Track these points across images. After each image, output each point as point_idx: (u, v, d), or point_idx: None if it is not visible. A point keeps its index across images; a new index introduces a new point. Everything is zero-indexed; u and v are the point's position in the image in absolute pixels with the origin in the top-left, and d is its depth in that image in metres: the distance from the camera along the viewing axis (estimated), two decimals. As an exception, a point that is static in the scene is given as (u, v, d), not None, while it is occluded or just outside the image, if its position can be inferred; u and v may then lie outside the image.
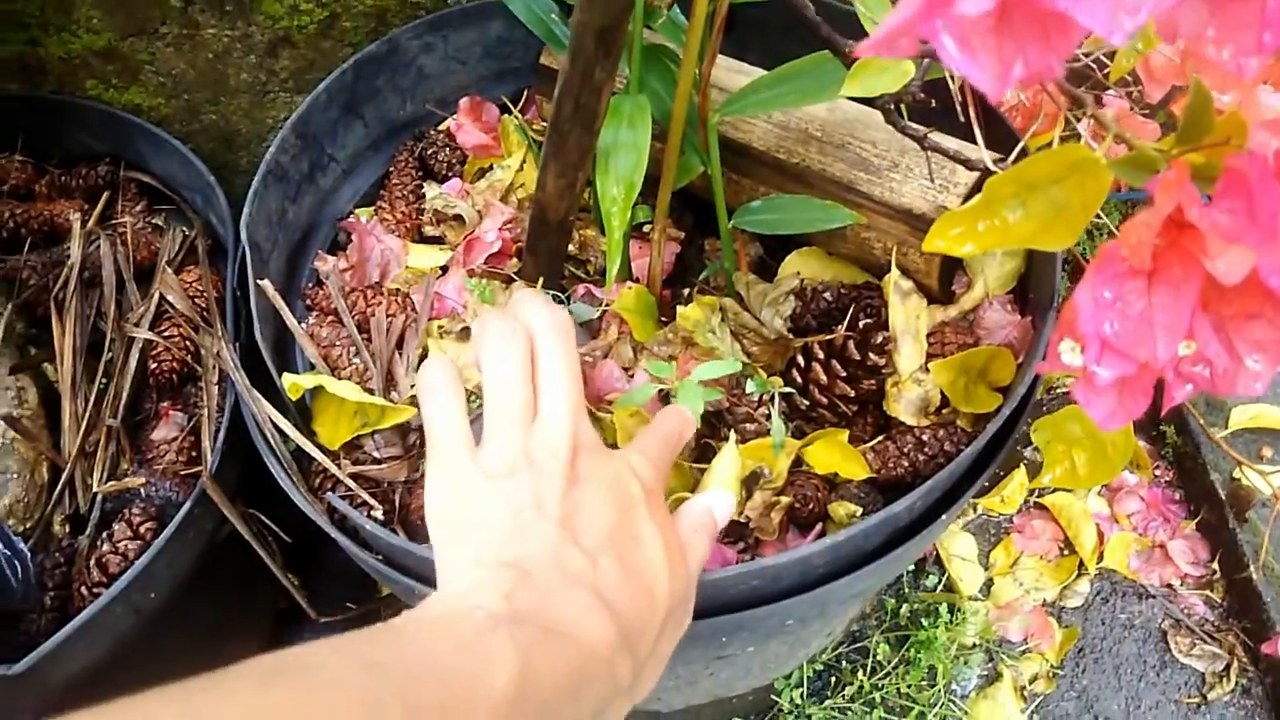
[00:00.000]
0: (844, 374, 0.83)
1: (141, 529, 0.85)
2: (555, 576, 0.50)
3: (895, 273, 0.86)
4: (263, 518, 0.95)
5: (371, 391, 0.84)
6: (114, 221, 1.08)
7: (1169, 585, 1.39)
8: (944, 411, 0.85)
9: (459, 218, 0.98)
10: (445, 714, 0.40)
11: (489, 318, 0.59)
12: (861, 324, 0.86)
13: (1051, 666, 1.32)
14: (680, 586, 0.56)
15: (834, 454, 0.82)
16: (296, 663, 0.40)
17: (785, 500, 0.80)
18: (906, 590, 1.34)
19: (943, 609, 1.28)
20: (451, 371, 0.59)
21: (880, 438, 0.84)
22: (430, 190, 1.03)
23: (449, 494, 0.55)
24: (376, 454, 0.83)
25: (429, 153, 1.06)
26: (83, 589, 0.84)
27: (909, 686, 1.24)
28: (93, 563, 0.84)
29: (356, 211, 1.04)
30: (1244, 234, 0.46)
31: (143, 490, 0.89)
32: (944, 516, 0.77)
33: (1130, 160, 0.52)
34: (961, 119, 0.68)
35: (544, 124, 1.03)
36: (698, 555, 0.60)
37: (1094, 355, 0.50)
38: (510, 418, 0.56)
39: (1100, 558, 1.40)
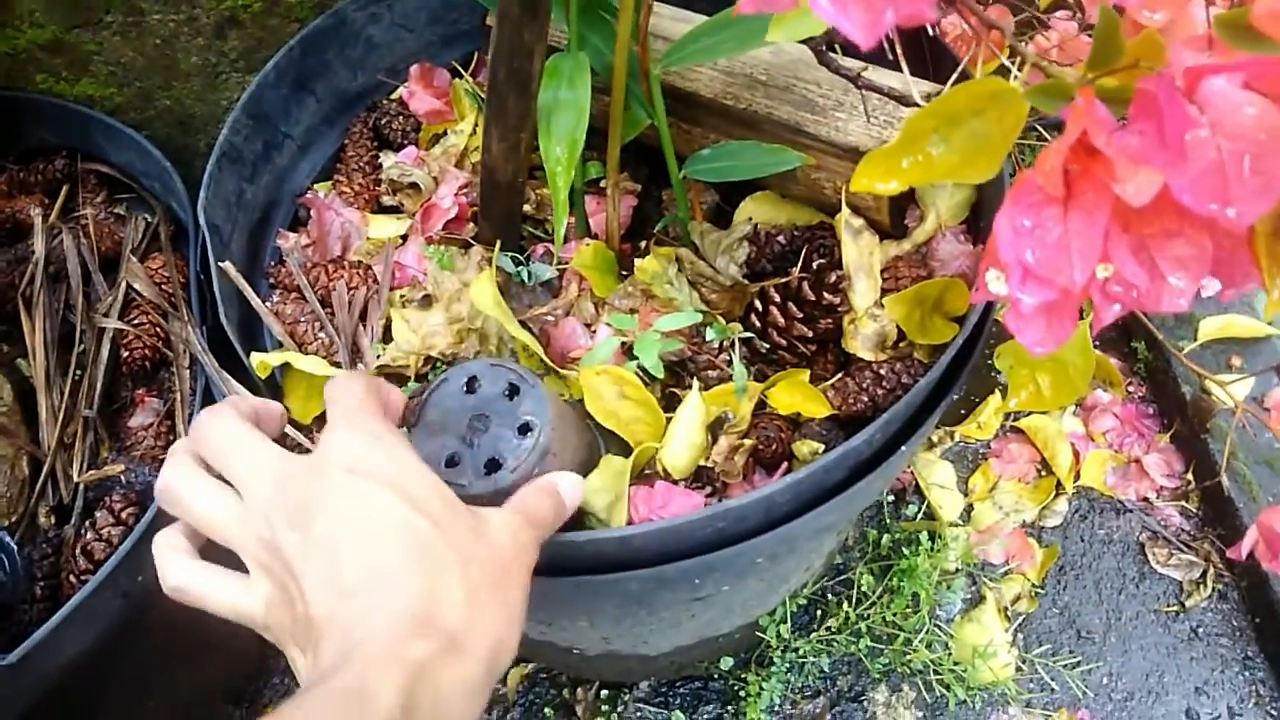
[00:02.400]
0: (801, 315, 0.85)
1: (124, 515, 0.87)
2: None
3: (846, 211, 0.87)
4: (245, 495, 0.97)
5: (338, 364, 0.86)
6: (76, 214, 1.08)
7: (1145, 499, 1.42)
8: (901, 345, 0.87)
9: (415, 185, 0.98)
10: None
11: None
12: (815, 264, 0.87)
13: (1033, 586, 1.35)
14: (463, 523, 0.52)
15: (795, 394, 0.84)
16: None
17: (749, 443, 0.82)
18: (887, 520, 1.36)
19: (924, 537, 1.31)
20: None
21: (840, 375, 0.86)
22: (386, 160, 1.03)
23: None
24: (347, 425, 0.85)
25: (383, 122, 1.07)
26: (71, 577, 0.86)
27: (894, 614, 1.27)
28: (79, 551, 0.86)
29: (314, 187, 1.04)
30: (1153, 156, 0.48)
31: (123, 477, 0.91)
32: (904, 448, 0.79)
33: (1044, 89, 0.53)
34: (888, 55, 0.69)
35: (494, 87, 1.04)
36: (543, 507, 0.60)
37: (1017, 282, 0.51)
38: (221, 527, 0.53)
39: (1077, 476, 1.43)
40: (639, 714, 1.24)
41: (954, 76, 0.70)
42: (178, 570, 0.54)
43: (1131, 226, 0.52)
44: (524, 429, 0.66)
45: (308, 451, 0.57)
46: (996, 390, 1.49)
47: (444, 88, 1.08)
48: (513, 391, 0.67)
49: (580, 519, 0.77)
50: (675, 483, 0.78)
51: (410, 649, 0.45)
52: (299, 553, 0.49)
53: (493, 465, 0.65)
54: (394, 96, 1.09)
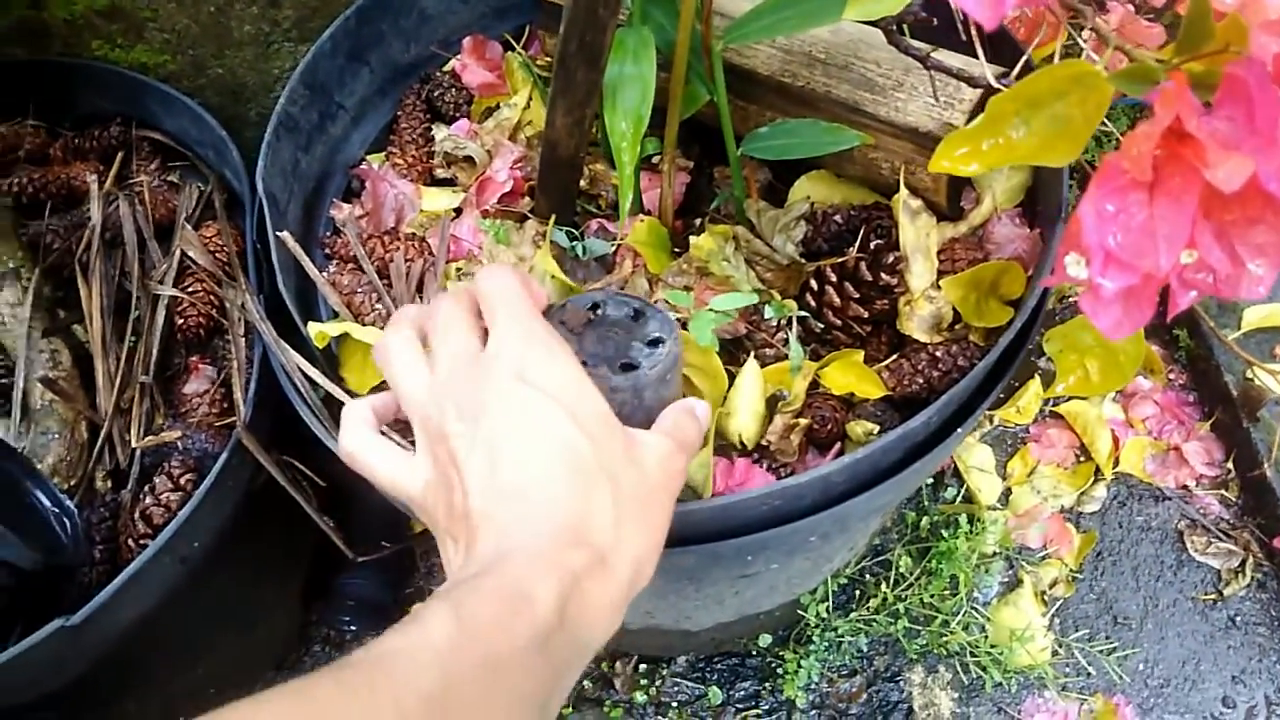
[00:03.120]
0: (857, 295, 0.85)
1: (181, 480, 0.88)
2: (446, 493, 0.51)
3: (904, 192, 0.87)
4: (297, 464, 0.98)
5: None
6: (130, 181, 1.09)
7: (1184, 486, 1.42)
8: (956, 327, 0.86)
9: (469, 159, 0.99)
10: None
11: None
12: (872, 245, 0.87)
13: (1070, 571, 1.35)
14: (618, 442, 0.53)
15: (850, 374, 0.84)
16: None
17: (804, 422, 0.82)
18: (926, 503, 1.36)
19: (962, 520, 1.31)
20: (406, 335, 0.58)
21: (895, 356, 0.86)
22: (439, 132, 1.03)
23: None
24: (404, 396, 0.85)
25: (435, 95, 1.07)
26: (129, 541, 0.87)
27: (932, 596, 1.27)
28: (137, 516, 0.87)
29: (368, 158, 1.04)
30: (1243, 141, 0.47)
31: (179, 443, 0.92)
32: (959, 430, 0.79)
33: (1130, 73, 0.52)
34: (963, 36, 0.69)
35: (548, 59, 1.03)
36: (685, 428, 0.59)
37: (1098, 267, 0.51)
38: (406, 398, 0.55)
39: (1116, 463, 1.43)
40: (676, 688, 1.26)
41: (1022, 59, 0.70)
42: (355, 437, 0.58)
43: (1213, 212, 0.52)
44: (653, 343, 0.65)
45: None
46: (1036, 375, 1.48)
47: (496, 60, 1.08)
48: (637, 315, 0.66)
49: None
50: (748, 453, 0.79)
51: (567, 558, 0.46)
52: (464, 444, 0.50)
53: (628, 367, 0.64)
54: (446, 69, 1.09)
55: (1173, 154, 0.49)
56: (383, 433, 0.60)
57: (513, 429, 0.50)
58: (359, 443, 0.58)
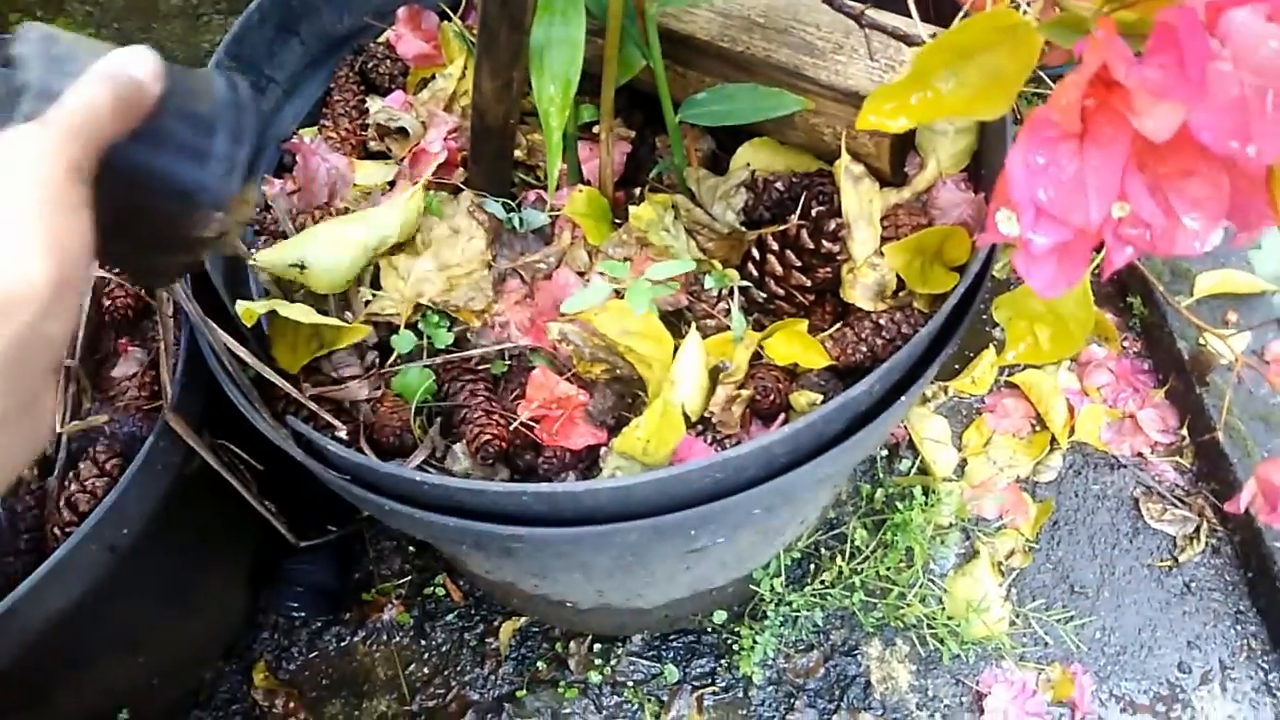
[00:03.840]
0: (799, 263, 0.83)
1: (108, 466, 0.85)
2: None
3: (845, 157, 0.85)
4: (232, 448, 0.95)
5: (326, 313, 0.84)
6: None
7: (1139, 454, 1.42)
8: (900, 294, 0.85)
9: (403, 130, 0.96)
10: None
11: None
12: (814, 212, 0.85)
13: (1027, 541, 1.34)
14: None
15: (793, 344, 0.83)
16: None
17: (747, 393, 0.80)
18: (881, 475, 1.35)
19: (918, 492, 1.30)
20: None
21: (838, 325, 0.84)
22: (373, 105, 1.01)
23: None
24: (335, 374, 0.83)
25: (370, 66, 1.04)
26: (55, 529, 0.85)
27: (888, 569, 1.26)
28: (62, 503, 0.84)
29: (300, 132, 1.02)
30: (1173, 89, 0.46)
31: (107, 428, 0.89)
32: (904, 398, 0.77)
33: (1060, 21, 0.51)
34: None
35: (483, 28, 1.01)
36: (73, 106, 0.43)
37: (1029, 222, 0.50)
38: None
39: (1072, 432, 1.42)
40: (632, 667, 1.24)
41: (959, 17, 0.68)
42: None
43: (1147, 165, 0.50)
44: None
45: None
46: (991, 345, 1.48)
47: (432, 30, 1.06)
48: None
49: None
50: (691, 425, 0.77)
51: None
52: None
53: None
54: (381, 40, 1.06)
55: (1103, 104, 0.48)
56: None
57: None
58: None
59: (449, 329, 0.84)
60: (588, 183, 0.91)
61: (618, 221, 0.90)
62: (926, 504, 1.30)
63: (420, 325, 0.84)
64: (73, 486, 0.85)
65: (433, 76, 1.03)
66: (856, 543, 1.28)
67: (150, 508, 0.86)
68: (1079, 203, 0.48)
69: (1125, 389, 1.46)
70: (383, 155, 0.99)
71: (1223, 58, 0.45)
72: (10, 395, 0.39)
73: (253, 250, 0.89)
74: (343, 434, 0.80)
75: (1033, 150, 0.49)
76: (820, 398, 0.80)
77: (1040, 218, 0.50)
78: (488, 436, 0.78)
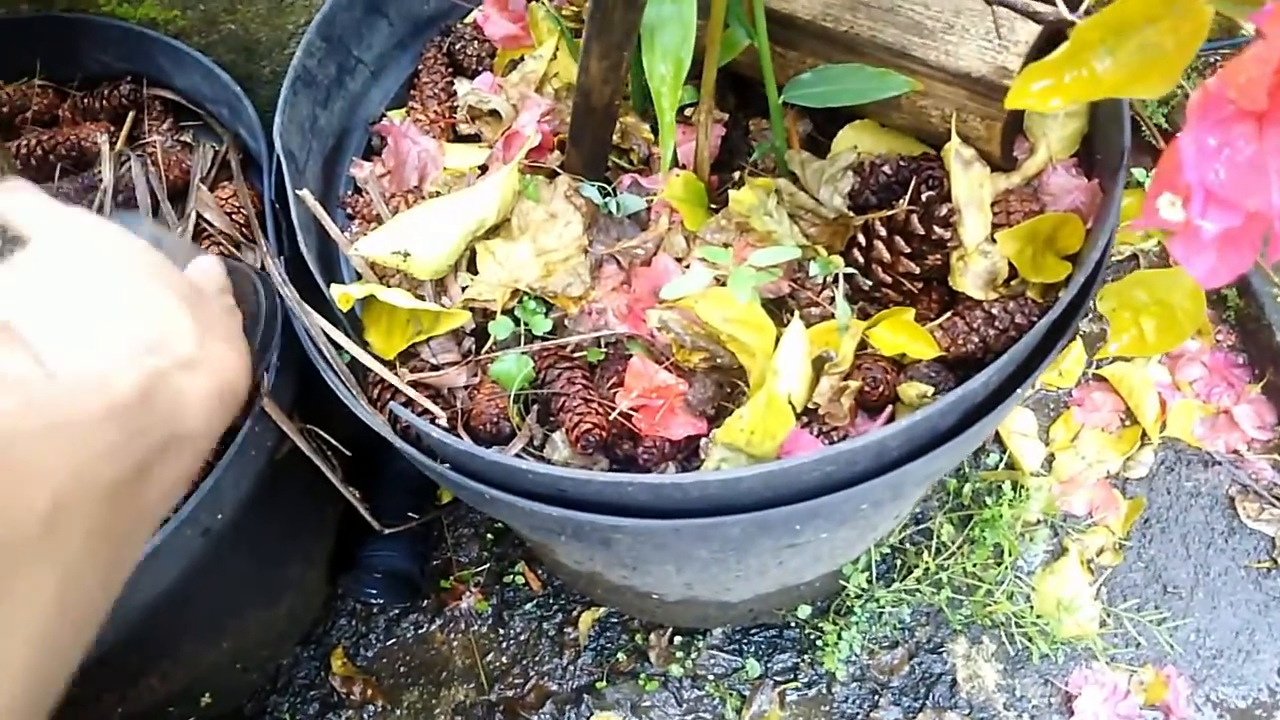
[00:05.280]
0: (908, 250, 0.80)
1: (203, 451, 0.85)
2: None
3: (955, 140, 0.82)
4: (321, 433, 0.94)
5: (423, 298, 0.82)
6: (142, 141, 1.05)
7: (1235, 451, 1.37)
8: (1012, 283, 0.82)
9: (494, 113, 0.94)
10: None
11: None
12: (924, 197, 0.82)
13: (1118, 539, 1.31)
14: (183, 276, 0.51)
15: (901, 334, 0.80)
16: None
17: (854, 384, 0.78)
18: (967, 470, 1.32)
19: (1005, 487, 1.27)
20: None
21: (948, 314, 0.82)
22: (462, 87, 0.99)
23: None
24: (433, 360, 0.82)
25: (457, 48, 1.03)
26: (150, 513, 0.84)
27: (974, 565, 1.23)
28: (157, 487, 0.84)
29: (389, 114, 1.00)
30: (1368, 62, 0.43)
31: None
32: (1019, 390, 0.75)
33: (1233, -8, 0.48)
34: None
35: (573, 9, 0.99)
36: (205, 266, 0.56)
37: (1199, 207, 0.47)
38: None
39: (1163, 427, 1.38)
40: (713, 661, 1.22)
41: (1091, -7, 0.65)
42: None
43: (1327, 147, 0.47)
44: None
45: None
46: (1078, 337, 1.44)
47: (520, 11, 1.03)
48: None
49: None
50: (796, 417, 0.75)
51: (147, 359, 0.44)
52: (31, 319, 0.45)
53: None
54: (468, 20, 1.05)
55: (1283, 81, 0.45)
56: None
57: (70, 277, 0.47)
58: None
59: (546, 315, 0.82)
60: (683, 167, 0.89)
61: (713, 207, 0.88)
62: (1014, 500, 1.26)
63: (517, 311, 0.82)
64: (168, 470, 0.85)
65: (521, 58, 1.01)
66: (943, 538, 1.25)
67: (243, 492, 0.86)
68: (1258, 186, 0.45)
69: (1219, 383, 1.41)
70: (473, 138, 0.97)
71: None
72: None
73: (347, 234, 0.88)
74: (442, 420, 0.78)
75: (1205, 130, 0.46)
76: (930, 390, 0.78)
77: (1211, 202, 0.46)
78: (588, 425, 0.77)
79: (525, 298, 0.83)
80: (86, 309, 0.47)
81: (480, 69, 1.02)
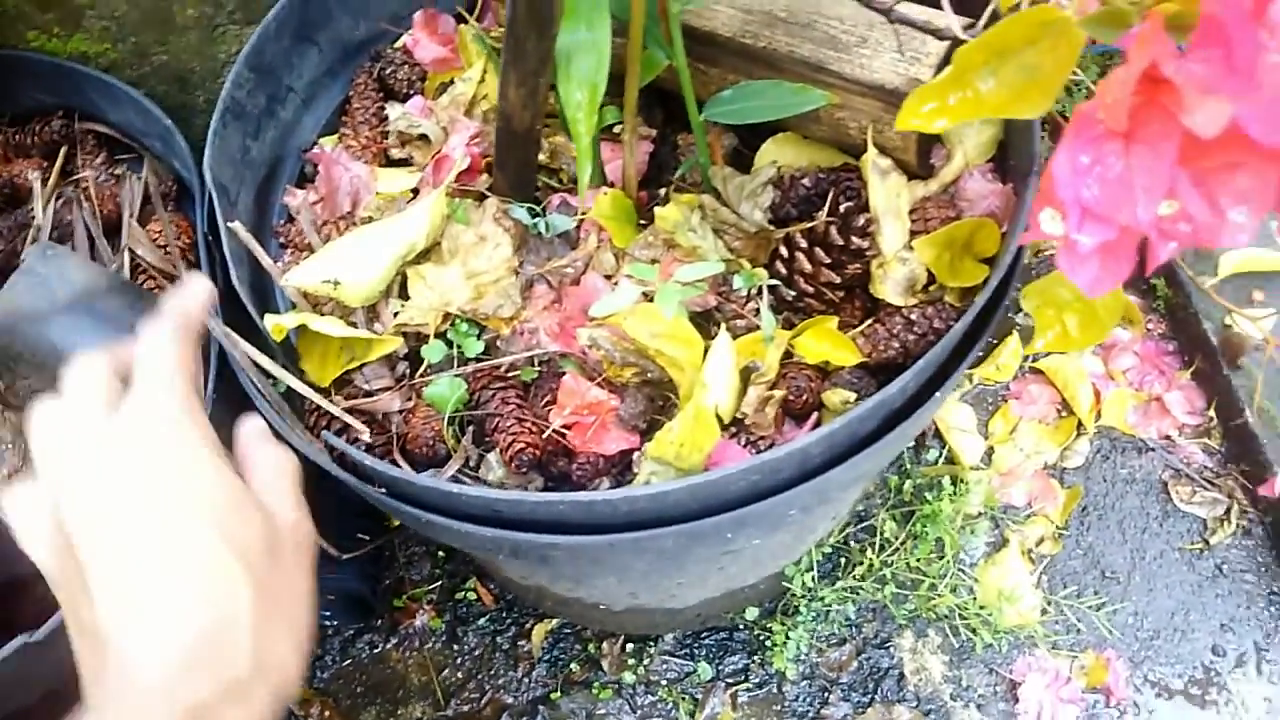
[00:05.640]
0: (828, 260, 0.83)
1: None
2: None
3: (872, 151, 0.84)
4: (263, 459, 0.95)
5: (355, 325, 0.83)
6: (75, 177, 1.05)
7: (1167, 437, 1.41)
8: (931, 289, 0.84)
9: (424, 137, 0.96)
10: None
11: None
12: (842, 208, 0.85)
13: (1057, 527, 1.34)
14: (257, 533, 0.47)
15: (824, 342, 0.82)
16: None
17: (779, 393, 0.80)
18: (908, 466, 1.35)
19: (946, 481, 1.30)
20: None
21: (869, 321, 0.84)
22: (393, 111, 1.00)
23: None
24: (367, 386, 0.83)
25: (388, 72, 1.04)
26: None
27: (918, 560, 1.26)
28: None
29: (321, 141, 1.01)
30: (1221, 84, 0.45)
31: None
32: (938, 394, 0.77)
33: (1102, 17, 0.50)
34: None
35: (501, 30, 1.00)
36: (274, 465, 0.52)
37: (1075, 222, 0.49)
38: (74, 437, 0.47)
39: (1098, 416, 1.42)
40: (665, 666, 1.24)
41: (989, 9, 0.67)
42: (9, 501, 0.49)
43: (1192, 160, 0.49)
44: None
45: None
46: (1015, 331, 1.47)
47: (449, 34, 1.05)
48: None
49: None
50: (724, 428, 0.77)
51: (189, 691, 0.42)
52: (89, 550, 0.44)
53: None
54: (398, 45, 1.06)
55: (1148, 100, 0.47)
56: None
57: (142, 535, 0.44)
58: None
59: (478, 337, 0.84)
60: (611, 185, 0.91)
61: (643, 223, 0.90)
62: (955, 494, 1.29)
63: (449, 334, 0.84)
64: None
65: (451, 81, 1.02)
66: (886, 535, 1.28)
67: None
68: (1126, 201, 0.48)
69: (1151, 372, 1.45)
70: (404, 163, 0.98)
71: (1271, 49, 0.45)
72: None
73: (280, 264, 0.89)
74: (365, 441, 0.80)
75: (1078, 150, 0.48)
76: (853, 396, 0.80)
77: (1086, 217, 0.49)
78: (521, 445, 0.78)
79: (457, 320, 0.84)
80: (138, 566, 0.43)
81: (411, 93, 1.03)
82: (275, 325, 0.80)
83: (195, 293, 0.55)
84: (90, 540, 0.44)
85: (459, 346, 0.83)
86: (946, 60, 0.80)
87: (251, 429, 0.54)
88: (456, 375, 0.82)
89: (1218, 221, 0.50)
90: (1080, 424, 1.41)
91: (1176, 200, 0.48)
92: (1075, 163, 0.48)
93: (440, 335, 0.84)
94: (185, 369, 0.51)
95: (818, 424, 0.81)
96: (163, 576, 0.43)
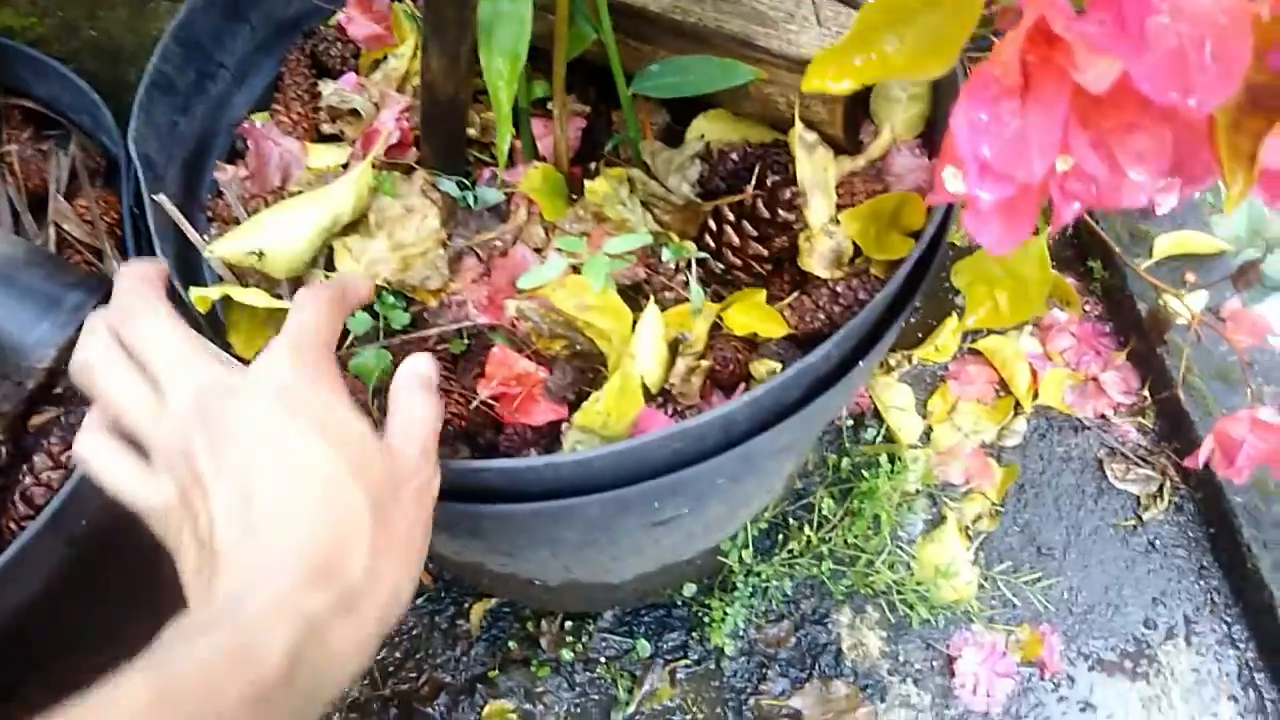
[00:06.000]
0: (756, 233, 0.83)
1: (63, 457, 0.84)
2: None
3: (799, 126, 0.85)
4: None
5: (280, 297, 0.83)
6: (0, 151, 1.04)
7: (1103, 416, 1.43)
8: (857, 262, 0.85)
9: (355, 112, 0.95)
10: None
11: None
12: (770, 181, 0.85)
13: (993, 505, 1.36)
14: (380, 468, 0.51)
15: (752, 314, 0.83)
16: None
17: (706, 364, 0.80)
18: (847, 444, 1.36)
19: (883, 460, 1.31)
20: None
21: (796, 294, 0.85)
22: (325, 88, 0.99)
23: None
24: (293, 359, 0.82)
25: (321, 49, 1.03)
26: (11, 524, 0.84)
27: (855, 537, 1.27)
28: (17, 497, 0.83)
29: (252, 117, 1.00)
30: (1113, 43, 0.46)
31: (62, 419, 0.88)
32: (862, 364, 0.78)
33: (1000, -23, 0.51)
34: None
35: (432, 6, 1.00)
36: (415, 414, 0.58)
37: (974, 179, 0.50)
38: (134, 420, 0.52)
39: (1035, 396, 1.44)
40: (604, 643, 1.24)
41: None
42: (86, 439, 0.53)
43: (1090, 120, 0.50)
44: None
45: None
46: (953, 313, 1.49)
47: (383, 12, 1.04)
48: None
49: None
50: (652, 398, 0.77)
51: (306, 601, 0.44)
52: (211, 471, 0.47)
53: None
54: (331, 22, 1.05)
55: (1042, 59, 0.48)
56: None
57: (266, 456, 0.48)
58: (89, 447, 0.53)
59: (405, 309, 0.84)
60: (543, 159, 0.91)
61: (575, 198, 0.90)
62: (893, 472, 1.31)
63: (376, 306, 0.83)
64: (27, 479, 0.84)
65: (385, 57, 1.02)
66: (824, 512, 1.29)
67: (110, 498, 0.85)
68: (1022, 158, 0.48)
69: (1087, 352, 1.47)
70: (336, 138, 0.98)
71: (1160, 10, 0.46)
72: None
73: (206, 237, 0.88)
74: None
75: (975, 108, 0.49)
76: (779, 366, 0.81)
77: (985, 173, 0.50)
78: (448, 416, 0.78)
79: (384, 292, 0.84)
80: (265, 494, 0.46)
81: (345, 69, 1.03)
82: (199, 297, 0.79)
83: (353, 278, 0.63)
84: (211, 463, 0.47)
85: (385, 318, 0.83)
86: (871, 34, 0.81)
87: (409, 372, 0.59)
88: (383, 347, 0.82)
89: (1117, 180, 0.51)
90: (1018, 403, 1.43)
91: (1072, 157, 0.49)
92: (973, 120, 0.49)
93: (366, 308, 0.83)
94: (325, 330, 0.56)
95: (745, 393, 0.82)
96: (292, 495, 0.47)
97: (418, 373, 0.60)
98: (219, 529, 0.46)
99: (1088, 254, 1.55)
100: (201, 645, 0.41)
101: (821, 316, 0.82)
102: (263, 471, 0.47)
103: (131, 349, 0.53)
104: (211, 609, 0.45)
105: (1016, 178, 0.49)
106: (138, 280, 0.56)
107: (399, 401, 0.58)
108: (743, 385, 0.82)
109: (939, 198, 0.54)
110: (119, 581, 0.99)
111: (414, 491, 0.54)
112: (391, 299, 0.83)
